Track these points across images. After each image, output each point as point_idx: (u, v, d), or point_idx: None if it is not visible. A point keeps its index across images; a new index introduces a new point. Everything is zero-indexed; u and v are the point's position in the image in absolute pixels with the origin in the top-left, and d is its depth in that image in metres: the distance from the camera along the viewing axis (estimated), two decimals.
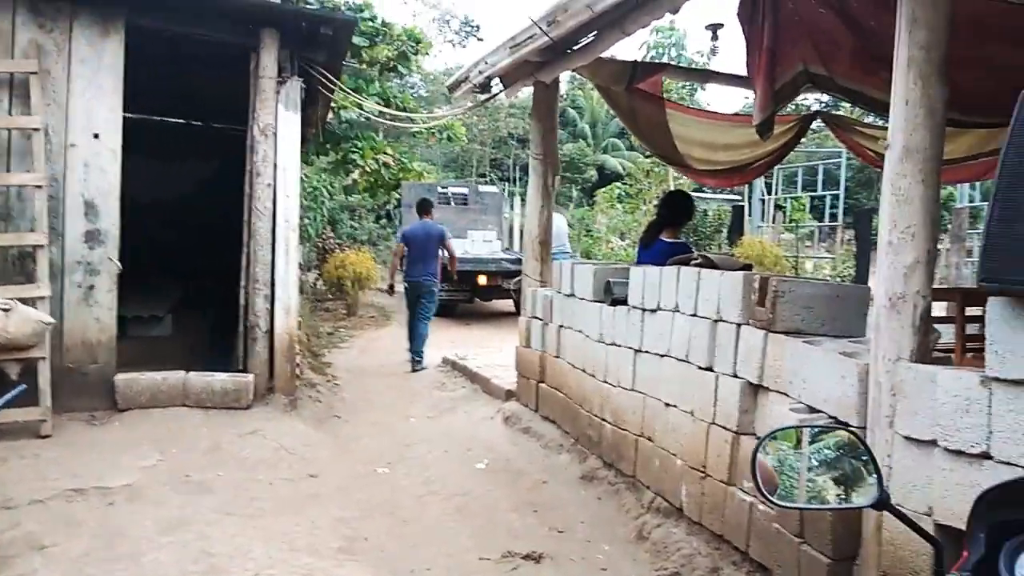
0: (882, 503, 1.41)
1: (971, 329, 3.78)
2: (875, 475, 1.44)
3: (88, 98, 5.52)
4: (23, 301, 4.89)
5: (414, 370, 8.51)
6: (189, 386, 5.56)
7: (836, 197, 15.42)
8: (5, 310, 4.69)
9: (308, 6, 11.40)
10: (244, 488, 4.39)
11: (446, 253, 8.88)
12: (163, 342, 7.61)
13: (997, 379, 2.24)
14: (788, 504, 1.60)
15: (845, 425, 2.82)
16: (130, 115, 5.84)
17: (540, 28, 4.88)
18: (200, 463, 4.69)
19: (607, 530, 4.08)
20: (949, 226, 11.63)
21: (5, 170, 5.29)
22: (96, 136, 5.53)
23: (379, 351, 9.80)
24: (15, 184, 5.28)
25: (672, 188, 14.23)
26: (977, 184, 11.59)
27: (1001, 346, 2.23)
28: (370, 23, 12.42)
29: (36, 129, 5.22)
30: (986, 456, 2.26)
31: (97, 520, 3.79)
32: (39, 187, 5.18)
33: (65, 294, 5.44)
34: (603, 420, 4.81)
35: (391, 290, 9.64)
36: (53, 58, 5.43)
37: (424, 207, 8.93)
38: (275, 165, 6.02)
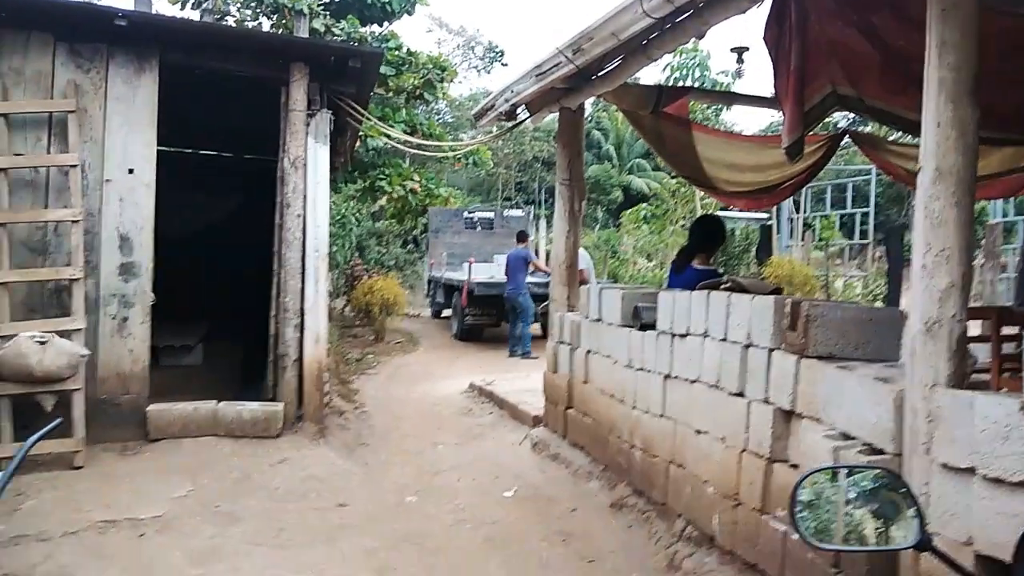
0: (924, 544, 1.37)
1: (1007, 348, 3.71)
2: (916, 514, 1.40)
3: (124, 134, 5.65)
4: (59, 334, 4.99)
5: (524, 357, 10.85)
6: (219, 416, 5.61)
7: (866, 214, 15.23)
8: (41, 343, 4.78)
9: (335, 38, 11.62)
10: (274, 518, 4.40)
11: (532, 268, 11.49)
12: (194, 371, 7.71)
13: None
14: (827, 545, 1.56)
15: (880, 452, 2.76)
16: (164, 148, 5.96)
17: (565, 56, 4.88)
18: (230, 493, 4.72)
19: (637, 559, 4.01)
20: (983, 242, 11.41)
21: (43, 206, 5.42)
22: (131, 171, 5.66)
23: (406, 377, 9.82)
24: (53, 220, 5.40)
25: (699, 209, 14.17)
26: (1011, 199, 11.38)
27: None
28: (396, 53, 12.62)
29: (73, 166, 5.35)
30: None
31: (128, 552, 3.82)
32: (75, 222, 5.30)
33: (100, 326, 5.54)
34: (632, 446, 4.75)
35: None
36: (90, 96, 5.57)
37: (521, 237, 11.86)
38: (305, 196, 6.09)
